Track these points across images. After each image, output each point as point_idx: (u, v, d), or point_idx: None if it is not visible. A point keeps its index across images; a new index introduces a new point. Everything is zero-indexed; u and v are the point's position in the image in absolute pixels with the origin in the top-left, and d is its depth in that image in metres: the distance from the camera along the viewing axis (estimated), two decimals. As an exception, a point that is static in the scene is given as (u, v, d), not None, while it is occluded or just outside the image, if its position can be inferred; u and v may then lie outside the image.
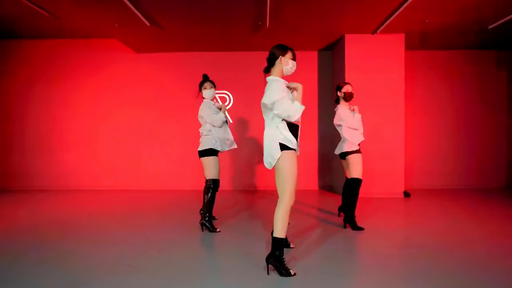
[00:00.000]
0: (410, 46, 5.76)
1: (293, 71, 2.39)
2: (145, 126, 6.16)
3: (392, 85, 5.28)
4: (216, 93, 6.11)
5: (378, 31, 5.08)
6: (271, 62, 2.36)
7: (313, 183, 6.16)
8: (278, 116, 2.22)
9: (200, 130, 3.53)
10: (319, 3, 4.16)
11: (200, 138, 3.51)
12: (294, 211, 4.18)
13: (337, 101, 3.64)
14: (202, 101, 3.59)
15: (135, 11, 4.21)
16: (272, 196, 5.32)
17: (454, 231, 3.28)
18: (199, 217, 3.73)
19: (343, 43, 5.34)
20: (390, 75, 5.28)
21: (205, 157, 3.37)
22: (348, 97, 3.52)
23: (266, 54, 6.43)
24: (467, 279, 2.16)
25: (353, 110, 3.56)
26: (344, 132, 3.46)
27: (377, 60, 5.27)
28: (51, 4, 4.28)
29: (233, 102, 6.13)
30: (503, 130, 6.26)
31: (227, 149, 3.50)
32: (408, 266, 2.41)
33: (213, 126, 3.40)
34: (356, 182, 3.40)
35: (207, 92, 3.56)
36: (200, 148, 3.43)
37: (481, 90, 6.22)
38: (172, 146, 6.17)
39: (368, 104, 5.25)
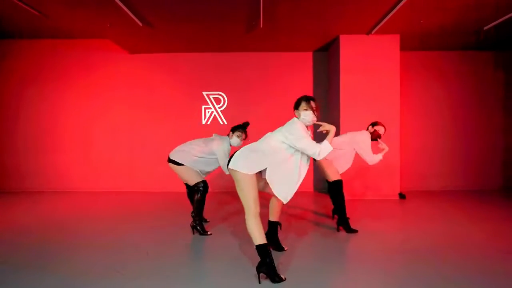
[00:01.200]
0: (405, 47, 5.74)
1: (310, 120, 2.32)
2: (139, 127, 6.09)
3: (387, 86, 5.25)
4: (211, 94, 6.07)
5: (373, 32, 5.05)
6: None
7: (308, 185, 6.10)
8: (303, 151, 2.22)
9: (192, 150, 3.33)
10: (312, 3, 4.12)
11: (182, 147, 3.37)
12: (288, 214, 4.12)
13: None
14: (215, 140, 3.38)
15: (127, 10, 4.16)
16: (264, 200, 5.27)
17: (450, 234, 3.25)
18: (190, 219, 3.67)
19: (338, 43, 5.31)
20: (385, 76, 5.25)
21: (177, 166, 3.31)
22: (374, 137, 3.56)
23: (261, 54, 6.43)
24: (463, 282, 2.11)
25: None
26: (345, 152, 3.51)
27: (372, 61, 5.24)
28: (43, 4, 4.21)
29: (227, 103, 6.07)
30: (499, 132, 6.24)
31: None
32: (403, 269, 2.37)
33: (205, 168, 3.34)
34: (338, 184, 3.39)
35: (236, 140, 3.40)
36: (174, 158, 3.31)
37: (477, 91, 6.20)
38: (165, 147, 6.09)
39: (363, 105, 5.22)
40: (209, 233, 3.29)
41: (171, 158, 3.35)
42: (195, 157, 3.29)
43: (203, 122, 6.08)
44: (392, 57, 5.24)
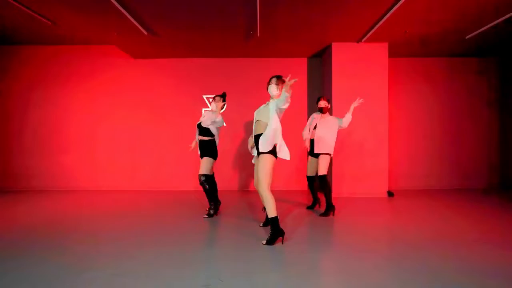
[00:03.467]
0: (394, 53, 6.09)
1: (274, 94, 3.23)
2: (141, 129, 6.40)
3: (376, 90, 5.60)
4: (211, 97, 6.38)
5: (363, 40, 5.39)
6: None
7: (304, 184, 6.42)
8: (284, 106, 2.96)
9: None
10: (306, 14, 4.46)
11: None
12: (284, 209, 4.44)
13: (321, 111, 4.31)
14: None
15: (133, 20, 4.47)
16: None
17: (436, 228, 3.51)
18: (192, 219, 3.96)
19: (331, 50, 5.65)
20: (374, 81, 5.59)
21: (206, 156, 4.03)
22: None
23: (259, 60, 6.74)
24: (447, 271, 2.38)
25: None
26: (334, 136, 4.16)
27: (362, 67, 5.58)
28: (52, 12, 4.52)
29: (227, 106, 6.39)
30: (484, 134, 6.60)
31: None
32: (391, 261, 2.57)
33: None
34: (325, 178, 4.14)
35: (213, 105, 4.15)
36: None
37: (463, 95, 6.56)
38: (167, 148, 6.41)
39: (355, 107, 5.54)
40: (205, 216, 3.94)
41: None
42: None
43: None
44: (381, 64, 5.59)
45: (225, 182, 6.23)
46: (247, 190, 6.35)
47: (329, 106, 4.28)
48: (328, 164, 4.15)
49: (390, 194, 5.59)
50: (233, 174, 6.40)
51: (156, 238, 3.14)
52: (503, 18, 4.49)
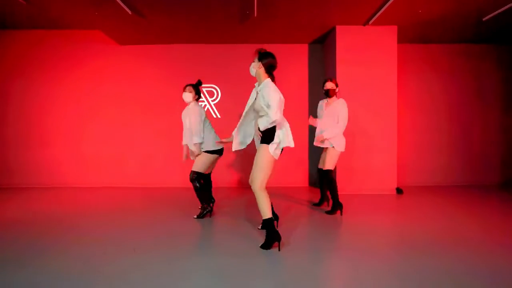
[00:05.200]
0: (402, 39, 5.62)
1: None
2: (129, 120, 5.91)
3: (384, 79, 5.13)
4: (204, 87, 5.91)
5: (370, 23, 4.92)
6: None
7: (304, 180, 5.98)
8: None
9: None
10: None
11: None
12: (284, 208, 3.99)
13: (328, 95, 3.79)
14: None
15: (115, -3, 3.99)
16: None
17: (447, 228, 3.15)
18: (180, 216, 3.55)
19: (334, 34, 5.17)
20: (382, 69, 5.13)
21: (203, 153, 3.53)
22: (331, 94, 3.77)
23: (255, 46, 6.26)
24: (460, 275, 2.00)
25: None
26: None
27: (369, 53, 5.11)
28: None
29: (221, 95, 5.92)
30: (497, 127, 6.16)
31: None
32: (401, 262, 2.26)
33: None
34: (331, 172, 3.72)
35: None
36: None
37: (475, 85, 6.11)
38: (157, 141, 5.93)
39: (360, 98, 5.10)
40: (195, 216, 3.51)
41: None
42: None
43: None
44: (390, 49, 5.12)
45: (219, 178, 5.76)
46: (244, 187, 5.88)
47: (337, 89, 3.76)
48: (335, 159, 3.71)
49: (399, 191, 5.15)
50: (228, 169, 5.92)
51: (141, 240, 2.68)
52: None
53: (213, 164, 3.59)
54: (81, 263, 2.23)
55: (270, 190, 2.73)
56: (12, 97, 5.79)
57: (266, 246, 2.50)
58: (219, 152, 3.53)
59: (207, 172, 3.60)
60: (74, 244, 2.65)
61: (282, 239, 2.69)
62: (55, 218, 3.55)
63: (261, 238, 2.77)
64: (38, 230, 3.07)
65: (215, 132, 3.60)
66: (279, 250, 2.49)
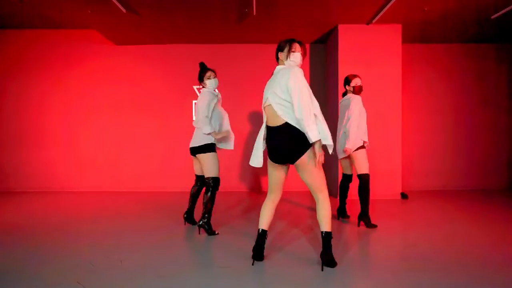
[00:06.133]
0: (407, 39, 5.44)
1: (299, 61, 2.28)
2: (125, 122, 5.75)
3: (388, 80, 4.95)
4: (201, 88, 5.72)
5: (373, 21, 4.74)
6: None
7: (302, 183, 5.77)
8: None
9: (194, 123, 3.16)
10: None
11: (194, 132, 3.13)
12: (289, 212, 3.81)
13: (344, 94, 3.49)
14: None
15: (108, -6, 3.83)
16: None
17: (453, 236, 2.97)
18: (178, 221, 3.36)
19: (337, 34, 4.99)
20: (386, 69, 4.94)
21: (203, 154, 3.01)
22: (357, 91, 3.37)
23: (255, 46, 6.10)
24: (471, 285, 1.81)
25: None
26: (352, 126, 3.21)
27: (372, 53, 4.93)
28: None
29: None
30: (503, 129, 5.95)
31: (223, 147, 3.20)
32: (407, 273, 2.07)
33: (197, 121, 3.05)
34: (365, 178, 3.21)
35: (212, 82, 3.14)
36: (194, 144, 3.04)
37: (481, 86, 5.90)
38: (154, 143, 5.76)
39: (363, 99, 4.86)
40: (217, 232, 3.04)
41: (192, 146, 3.07)
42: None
43: (194, 117, 5.73)
44: (394, 49, 4.94)
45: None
46: (246, 191, 5.70)
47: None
48: (364, 159, 3.25)
49: (404, 196, 4.95)
50: (227, 173, 5.73)
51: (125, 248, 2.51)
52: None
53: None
54: (65, 272, 2.06)
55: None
56: (5, 97, 5.65)
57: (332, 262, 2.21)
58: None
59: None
60: (59, 252, 2.48)
61: (278, 246, 2.50)
62: (46, 224, 3.38)
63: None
64: (30, 235, 2.90)
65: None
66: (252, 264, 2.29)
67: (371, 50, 4.93)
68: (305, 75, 5.69)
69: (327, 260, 2.18)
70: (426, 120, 5.87)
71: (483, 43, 5.84)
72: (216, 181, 3.01)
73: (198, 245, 2.77)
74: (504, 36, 5.54)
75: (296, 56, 2.22)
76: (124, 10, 4.27)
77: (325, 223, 2.18)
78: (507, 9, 4.33)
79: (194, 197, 3.30)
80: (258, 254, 2.28)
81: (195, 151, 3.06)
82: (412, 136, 5.83)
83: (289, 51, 2.22)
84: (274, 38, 5.45)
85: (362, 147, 3.27)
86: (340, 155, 3.42)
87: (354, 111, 3.22)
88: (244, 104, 5.72)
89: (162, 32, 5.20)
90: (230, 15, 4.58)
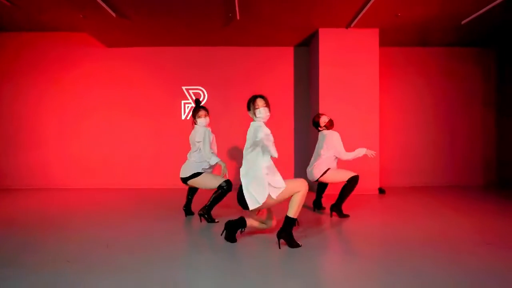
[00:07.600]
0: (386, 42, 5.72)
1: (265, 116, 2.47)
2: (117, 122, 5.95)
3: (366, 81, 5.22)
4: (190, 89, 5.97)
5: (352, 25, 5.02)
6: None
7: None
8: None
9: (189, 155, 3.43)
10: (288, -6, 4.06)
11: (186, 163, 3.40)
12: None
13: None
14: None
15: (99, 1, 4.05)
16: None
17: (426, 227, 3.19)
18: (168, 218, 3.56)
19: (318, 37, 5.26)
20: (364, 70, 5.22)
21: (194, 178, 3.32)
22: (330, 126, 3.71)
23: (242, 49, 6.33)
24: (441, 273, 2.05)
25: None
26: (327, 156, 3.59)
27: (351, 55, 5.20)
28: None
29: (207, 98, 5.98)
30: (480, 128, 6.25)
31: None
32: (385, 259, 2.30)
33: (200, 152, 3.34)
34: (355, 178, 3.53)
35: (202, 121, 3.41)
36: (184, 175, 3.34)
37: (457, 87, 6.20)
38: (145, 142, 5.97)
39: (342, 99, 5.18)
40: (216, 220, 3.32)
41: (183, 177, 3.37)
42: (197, 162, 3.33)
43: (183, 117, 5.97)
44: (372, 51, 5.22)
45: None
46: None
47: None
48: (338, 173, 3.64)
49: (381, 191, 5.21)
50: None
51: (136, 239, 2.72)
52: (498, 1, 4.15)
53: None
54: (55, 256, 2.27)
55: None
56: (3, 99, 5.84)
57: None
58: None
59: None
60: (52, 245, 2.69)
61: (268, 239, 2.74)
62: (40, 219, 3.58)
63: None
64: (25, 230, 3.10)
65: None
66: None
67: (350, 53, 5.20)
68: (289, 77, 6.00)
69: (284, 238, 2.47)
70: (406, 120, 6.13)
71: (461, 47, 6.13)
72: (229, 183, 3.25)
73: (195, 232, 2.99)
74: (480, 41, 5.84)
75: (260, 112, 2.40)
76: (114, 15, 4.50)
77: (292, 208, 2.45)
78: (475, 14, 4.62)
79: (191, 189, 3.61)
80: (230, 236, 2.57)
81: (185, 180, 3.36)
82: (392, 136, 6.10)
83: (254, 109, 2.44)
84: (260, 41, 5.70)
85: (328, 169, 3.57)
86: (312, 178, 3.67)
87: (338, 146, 3.57)
88: (232, 105, 5.94)
89: (152, 35, 5.42)
90: (216, 19, 4.82)
